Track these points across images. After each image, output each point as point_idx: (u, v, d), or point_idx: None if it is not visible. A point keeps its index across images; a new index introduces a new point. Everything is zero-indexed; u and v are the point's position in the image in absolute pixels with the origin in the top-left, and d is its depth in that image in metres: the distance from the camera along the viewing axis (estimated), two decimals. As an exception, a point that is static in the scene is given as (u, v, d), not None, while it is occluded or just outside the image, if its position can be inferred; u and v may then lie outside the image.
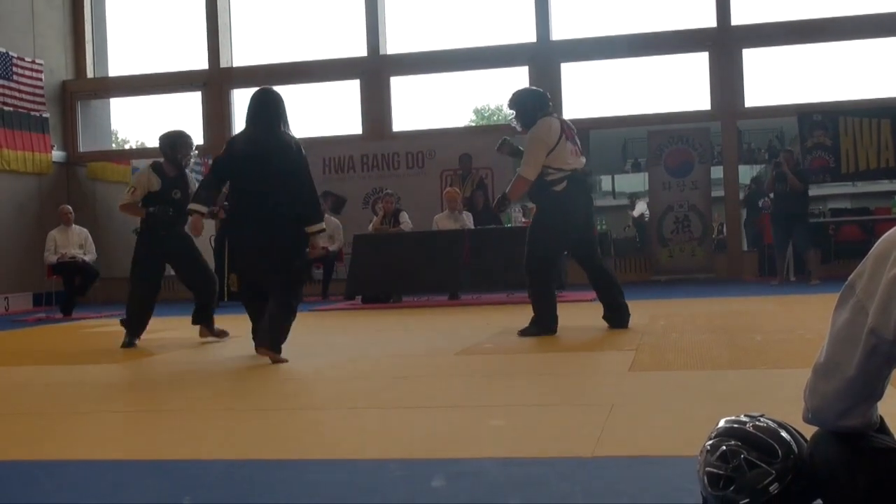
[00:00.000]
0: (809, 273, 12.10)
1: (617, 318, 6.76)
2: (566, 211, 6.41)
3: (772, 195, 12.21)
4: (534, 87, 6.65)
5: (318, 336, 7.33)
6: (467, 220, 11.48)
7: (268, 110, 5.64)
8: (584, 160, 6.59)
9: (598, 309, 8.86)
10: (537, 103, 6.54)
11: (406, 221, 11.87)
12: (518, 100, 6.60)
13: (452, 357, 5.46)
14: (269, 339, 5.47)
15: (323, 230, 5.70)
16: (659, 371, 4.53)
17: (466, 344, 6.04)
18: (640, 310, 8.46)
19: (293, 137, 5.64)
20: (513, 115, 6.65)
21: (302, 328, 7.14)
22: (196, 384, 4.70)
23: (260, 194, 5.48)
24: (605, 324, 6.85)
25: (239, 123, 16.76)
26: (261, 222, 5.48)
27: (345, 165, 14.91)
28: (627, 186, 23.41)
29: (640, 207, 18.98)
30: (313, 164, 17.22)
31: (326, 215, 13.18)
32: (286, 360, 5.41)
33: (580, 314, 7.75)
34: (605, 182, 26.19)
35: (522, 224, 10.96)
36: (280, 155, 5.49)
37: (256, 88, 5.81)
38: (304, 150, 5.65)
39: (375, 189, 14.58)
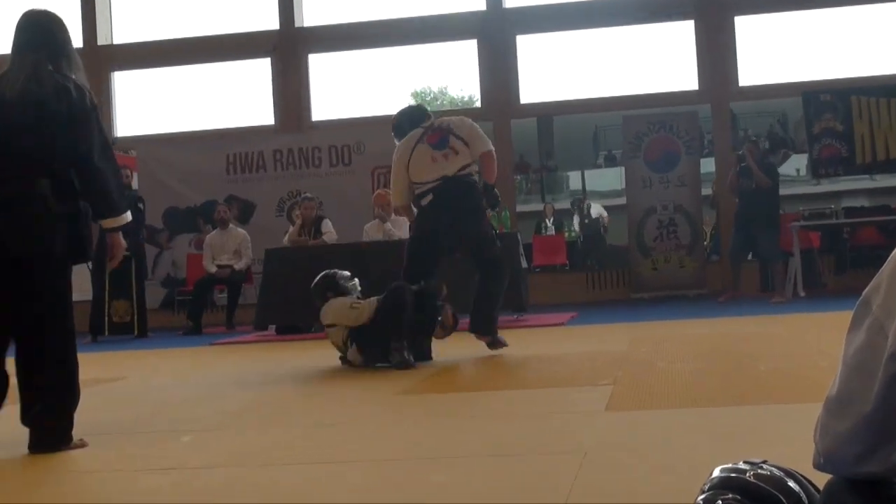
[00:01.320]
0: (773, 289, 12.33)
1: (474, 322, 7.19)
2: (426, 224, 7.10)
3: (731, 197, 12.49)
4: (412, 105, 7.54)
5: (219, 376, 7.26)
6: (400, 228, 11.36)
7: (32, 43, 4.40)
8: (460, 162, 7.05)
9: (567, 334, 8.88)
10: (410, 121, 7.28)
11: (330, 231, 11.82)
12: (395, 125, 7.42)
13: (391, 398, 5.43)
14: (45, 428, 4.14)
15: (126, 223, 4.43)
16: (641, 410, 4.54)
17: (408, 381, 6.01)
18: (619, 335, 8.51)
19: (74, 81, 4.36)
20: None
21: (199, 366, 7.07)
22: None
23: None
24: (577, 351, 6.94)
25: (121, 109, 16.71)
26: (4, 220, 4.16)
27: (253, 163, 14.83)
28: (600, 184, 23.55)
29: (598, 209, 19.12)
30: (214, 160, 16.97)
31: (231, 225, 13.18)
32: (85, 444, 4.23)
33: (545, 342, 7.77)
34: (574, 179, 26.27)
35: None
36: (43, 107, 4.20)
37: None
38: (94, 99, 4.41)
39: (291, 192, 14.52)
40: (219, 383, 6.70)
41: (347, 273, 7.26)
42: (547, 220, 18.68)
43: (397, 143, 7.40)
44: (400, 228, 11.35)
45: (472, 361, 7.00)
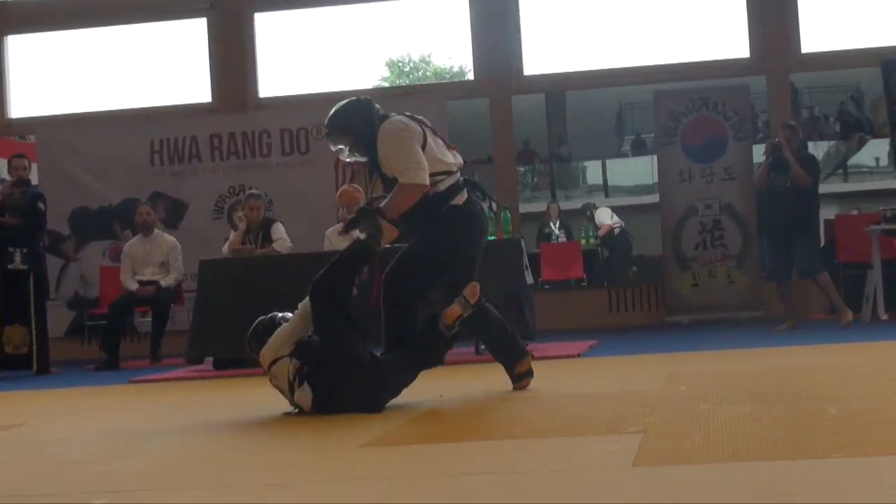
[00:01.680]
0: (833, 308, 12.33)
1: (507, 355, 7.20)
2: (472, 234, 6.92)
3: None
4: (350, 100, 7.02)
5: (142, 423, 7.26)
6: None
7: None
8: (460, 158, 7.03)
9: (585, 368, 8.89)
10: (369, 113, 6.86)
11: (282, 238, 11.82)
12: (341, 124, 6.89)
13: (356, 450, 5.42)
14: None
15: None
16: (678, 465, 4.54)
17: (380, 427, 6.01)
18: (651, 369, 8.51)
19: None
20: (344, 149, 6.94)
21: (116, 410, 7.02)
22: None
23: None
24: (597, 389, 7.12)
25: (16, 83, 16.66)
26: None
27: (185, 151, 14.84)
28: (626, 178, 23.53)
29: (605, 216, 18.98)
30: (135, 148, 17.03)
31: (157, 231, 13.16)
32: None
33: (557, 377, 7.77)
34: (592, 171, 26.27)
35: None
36: None
37: None
38: None
39: (233, 188, 14.53)
40: (141, 433, 6.68)
41: (290, 314, 6.97)
42: (551, 224, 18.29)
43: (334, 147, 7.03)
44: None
45: (463, 401, 6.98)
